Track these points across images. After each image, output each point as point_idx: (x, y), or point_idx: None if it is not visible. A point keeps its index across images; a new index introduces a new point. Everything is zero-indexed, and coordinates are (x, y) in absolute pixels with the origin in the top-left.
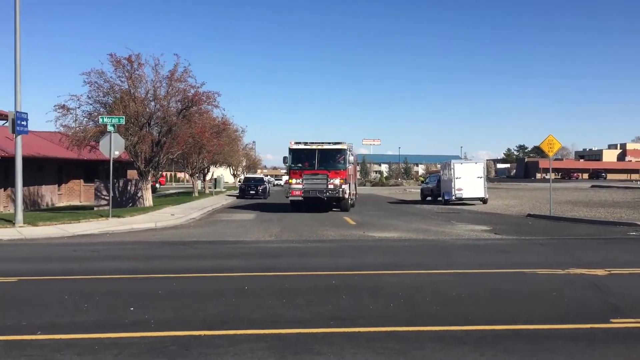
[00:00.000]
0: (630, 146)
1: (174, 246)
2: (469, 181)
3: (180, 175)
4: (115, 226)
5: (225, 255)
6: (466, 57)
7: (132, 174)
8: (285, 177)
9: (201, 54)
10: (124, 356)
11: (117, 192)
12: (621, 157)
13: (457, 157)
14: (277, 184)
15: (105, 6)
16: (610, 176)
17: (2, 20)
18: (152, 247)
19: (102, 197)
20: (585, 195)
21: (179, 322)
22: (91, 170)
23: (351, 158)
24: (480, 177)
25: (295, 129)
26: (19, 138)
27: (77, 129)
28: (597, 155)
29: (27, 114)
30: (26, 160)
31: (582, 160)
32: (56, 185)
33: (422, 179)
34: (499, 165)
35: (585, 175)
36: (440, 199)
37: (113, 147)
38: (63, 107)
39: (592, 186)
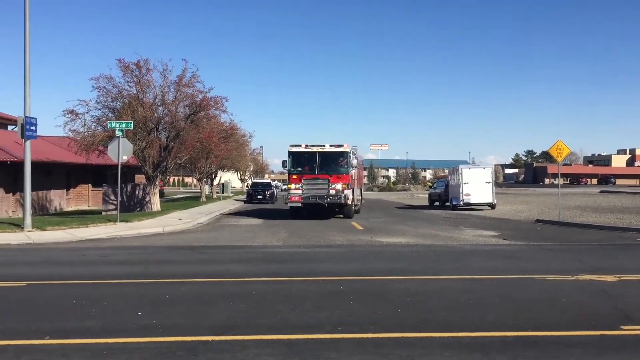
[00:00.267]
0: (639, 151)
1: (181, 251)
2: (477, 186)
3: (187, 180)
4: (123, 231)
5: (233, 260)
6: (474, 62)
7: (139, 178)
8: None
9: (209, 59)
10: None
11: (125, 197)
12: (630, 162)
13: (465, 162)
14: (284, 189)
15: (114, 12)
16: (619, 181)
17: (11, 25)
18: (159, 252)
19: (110, 201)
20: (594, 201)
21: (186, 327)
22: (99, 175)
23: (355, 161)
24: (489, 182)
25: (303, 134)
26: (28, 143)
27: (86, 133)
28: (606, 161)
29: (36, 119)
30: (35, 165)
31: (590, 165)
32: (64, 190)
33: (429, 184)
34: (507, 171)
35: (594, 181)
36: (448, 204)
37: (121, 152)
38: (72, 112)
39: (601, 191)
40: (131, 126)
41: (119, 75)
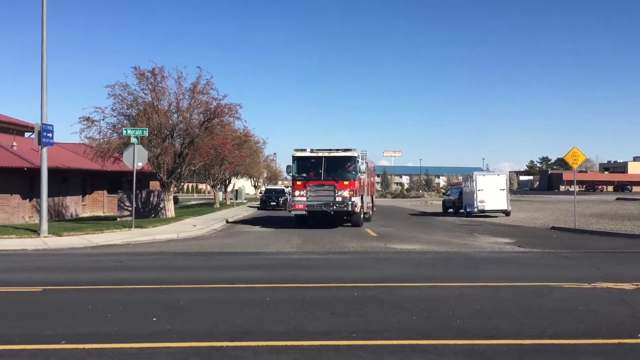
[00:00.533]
0: None
1: (195, 257)
2: (491, 193)
3: (201, 186)
4: (137, 237)
5: (247, 266)
6: (488, 68)
7: (154, 185)
8: None
9: (224, 66)
10: None
11: (139, 203)
12: None
13: (479, 169)
14: None
15: (130, 20)
16: (635, 189)
17: (29, 34)
18: (174, 258)
19: (125, 207)
20: (611, 208)
21: (201, 332)
22: (114, 182)
23: (364, 167)
24: (503, 189)
25: (316, 141)
26: (45, 150)
27: (102, 140)
28: (622, 168)
29: (52, 125)
30: (51, 171)
31: (606, 172)
32: (80, 196)
33: (443, 190)
34: (522, 178)
35: (610, 188)
36: (462, 211)
37: (136, 159)
38: (88, 119)
39: (617, 199)
40: (146, 133)
41: (135, 82)
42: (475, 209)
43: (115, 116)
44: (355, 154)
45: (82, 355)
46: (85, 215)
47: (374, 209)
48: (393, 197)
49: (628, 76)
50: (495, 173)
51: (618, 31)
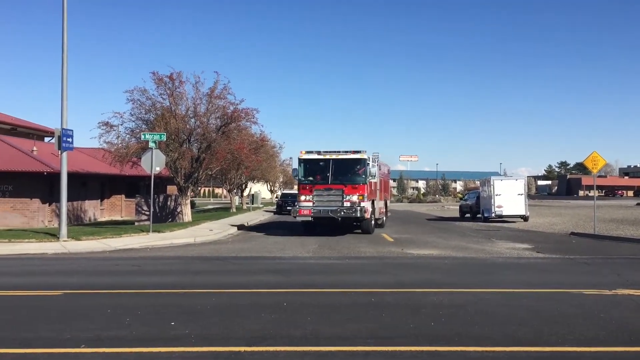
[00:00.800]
0: None
1: (212, 261)
2: (509, 198)
3: (218, 190)
4: (155, 241)
5: (263, 271)
6: (506, 72)
7: (171, 189)
8: None
9: (240, 71)
10: None
11: (157, 208)
12: None
13: (496, 174)
14: None
15: (149, 26)
16: None
17: (49, 40)
18: (191, 262)
19: (143, 212)
20: (631, 213)
21: (219, 337)
22: (132, 186)
23: (375, 170)
24: (521, 194)
25: (332, 146)
26: (65, 154)
27: (120, 145)
28: None
29: (72, 130)
30: (70, 176)
31: (626, 177)
32: (99, 201)
33: (460, 195)
34: (540, 182)
35: (630, 193)
36: (479, 216)
37: (154, 163)
38: (107, 124)
39: (638, 204)
40: (164, 138)
41: (153, 87)
42: (493, 214)
43: (133, 121)
44: (365, 157)
45: (101, 359)
46: (103, 219)
47: (388, 214)
48: (409, 202)
49: None
50: (513, 178)
51: (638, 34)
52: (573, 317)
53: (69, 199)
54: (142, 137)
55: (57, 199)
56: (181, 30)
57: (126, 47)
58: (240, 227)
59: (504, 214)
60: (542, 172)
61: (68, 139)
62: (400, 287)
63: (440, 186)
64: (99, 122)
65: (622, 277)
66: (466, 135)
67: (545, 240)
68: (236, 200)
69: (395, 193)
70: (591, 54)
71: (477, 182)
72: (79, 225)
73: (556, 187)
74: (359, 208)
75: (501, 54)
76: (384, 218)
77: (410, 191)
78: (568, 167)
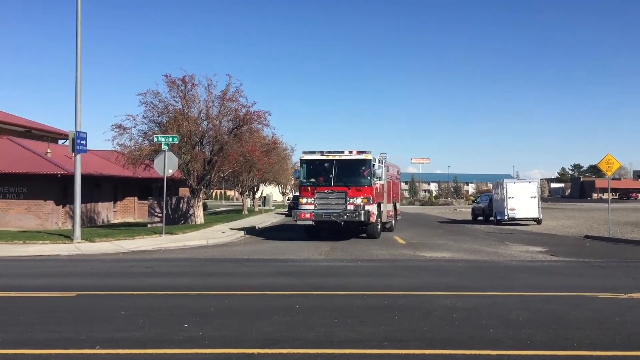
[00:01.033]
0: None
1: (225, 263)
2: (522, 201)
3: (229, 193)
4: (168, 243)
5: (276, 273)
6: (518, 75)
7: (183, 191)
8: None
9: (252, 73)
10: None
11: (169, 210)
12: None
13: (508, 176)
14: None
15: (162, 28)
16: None
17: (63, 44)
18: (204, 264)
19: (155, 214)
20: None
21: (232, 339)
22: (145, 188)
23: (381, 171)
24: (534, 197)
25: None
26: (78, 157)
27: (133, 147)
28: None
29: (86, 133)
30: (84, 178)
31: None
32: (112, 203)
33: (472, 198)
34: (553, 185)
35: None
36: (492, 219)
37: (167, 166)
38: (120, 126)
39: None
40: (177, 140)
41: (165, 90)
42: (506, 217)
43: (146, 123)
44: (369, 157)
45: None
46: (116, 221)
47: (398, 217)
48: (421, 205)
49: None
50: (526, 180)
51: None
52: (588, 321)
53: (83, 201)
54: (155, 139)
55: (71, 201)
56: (194, 34)
57: (139, 50)
58: (252, 229)
59: (516, 216)
60: (555, 175)
61: (82, 142)
62: (413, 290)
63: (452, 189)
64: (112, 125)
65: (637, 281)
66: (478, 138)
67: (559, 243)
68: (248, 202)
69: (407, 196)
70: (606, 56)
71: (490, 185)
72: (92, 227)
73: (569, 190)
74: (362, 211)
75: (514, 57)
76: (393, 221)
77: (422, 194)
78: (581, 169)
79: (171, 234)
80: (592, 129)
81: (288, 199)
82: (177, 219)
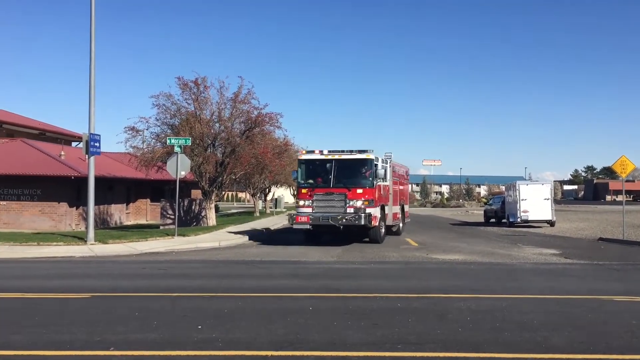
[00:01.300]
0: None
1: (237, 265)
2: (535, 203)
3: (241, 195)
4: (180, 244)
5: (289, 275)
6: (529, 76)
7: (195, 193)
8: None
9: (264, 74)
10: None
11: (182, 212)
12: None
13: (520, 178)
14: None
15: (174, 31)
16: None
17: (77, 47)
18: (216, 266)
19: (168, 216)
20: None
21: (246, 341)
22: (157, 190)
23: (383, 172)
24: (547, 199)
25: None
26: (92, 159)
27: (146, 150)
28: None
29: (99, 135)
30: (97, 180)
31: None
32: (124, 204)
33: (484, 200)
34: (566, 187)
35: None
36: (504, 221)
37: (180, 168)
38: (132, 128)
39: None
40: (189, 142)
41: (178, 92)
42: (519, 219)
43: (159, 126)
44: (371, 157)
45: None
46: (129, 223)
47: (407, 220)
48: (433, 207)
49: None
50: (539, 182)
51: None
52: (605, 324)
53: (96, 203)
54: (168, 141)
55: (84, 203)
56: (206, 35)
57: (152, 53)
58: (265, 231)
59: (530, 219)
60: (568, 177)
61: (95, 144)
62: (426, 292)
63: (464, 191)
64: (125, 127)
65: None
66: (490, 139)
67: (573, 245)
68: (260, 204)
69: (419, 198)
70: (617, 57)
71: (502, 187)
72: (105, 228)
73: (582, 192)
74: (363, 215)
75: (527, 58)
76: (401, 224)
77: (433, 196)
78: (594, 171)
79: (183, 235)
80: (605, 130)
81: None
82: (189, 221)
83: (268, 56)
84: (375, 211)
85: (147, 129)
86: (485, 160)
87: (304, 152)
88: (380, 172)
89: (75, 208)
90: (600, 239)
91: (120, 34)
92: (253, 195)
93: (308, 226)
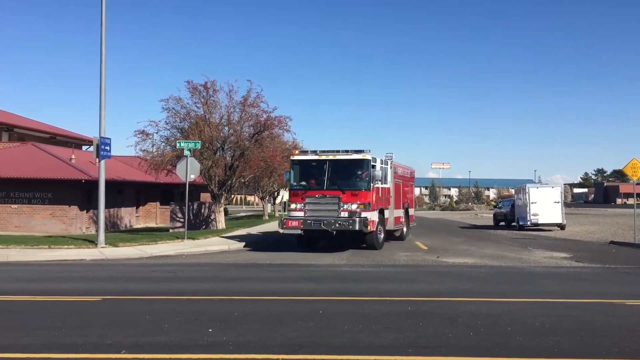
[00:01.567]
0: None
1: (247, 268)
2: (545, 206)
3: (250, 198)
4: (190, 248)
5: (298, 278)
6: (539, 79)
7: (204, 197)
8: None
9: (273, 77)
10: None
11: (191, 215)
12: None
13: (530, 181)
14: None
15: (184, 35)
16: None
17: (88, 52)
18: (226, 269)
19: (177, 219)
20: None
21: (256, 344)
22: (167, 193)
23: (381, 173)
24: (558, 202)
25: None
26: (103, 162)
27: (155, 153)
28: None
29: (110, 139)
30: (107, 183)
31: None
32: (134, 208)
33: (494, 203)
34: (576, 190)
35: None
36: (514, 224)
37: (189, 171)
38: (142, 132)
39: None
40: (199, 146)
41: (188, 96)
42: (529, 222)
43: (168, 129)
44: (367, 157)
45: None
46: (138, 226)
47: (413, 223)
48: (442, 210)
49: None
50: (549, 185)
51: None
52: (617, 328)
53: (106, 206)
54: (178, 145)
55: (95, 206)
56: (215, 39)
57: (162, 56)
58: (274, 234)
59: (540, 222)
60: (577, 180)
61: (106, 147)
62: (437, 296)
63: (473, 194)
64: (135, 131)
65: None
66: (499, 142)
67: (584, 249)
68: (268, 207)
69: (427, 201)
70: (628, 59)
71: (511, 190)
72: (116, 232)
73: (593, 195)
74: (358, 219)
75: (537, 61)
76: (404, 229)
77: (442, 199)
78: (605, 174)
79: (193, 239)
80: (616, 132)
81: None
82: (199, 224)
83: (277, 59)
84: (372, 215)
85: (156, 133)
86: (494, 163)
87: (296, 152)
88: (378, 173)
89: (85, 211)
90: (612, 242)
91: (130, 38)
92: (262, 198)
93: (299, 231)
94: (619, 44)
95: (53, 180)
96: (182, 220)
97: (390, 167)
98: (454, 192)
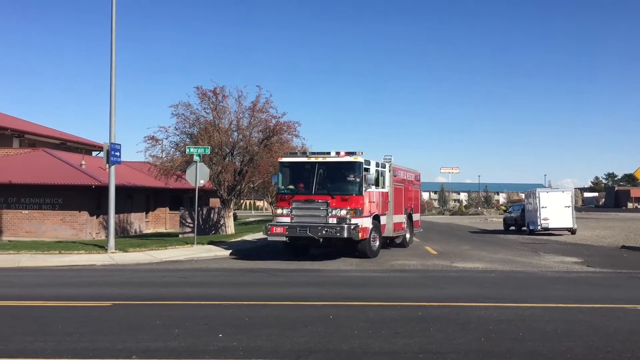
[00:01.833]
0: None
1: (256, 273)
2: (555, 210)
3: (259, 203)
4: (199, 253)
5: (307, 283)
6: (549, 83)
7: (214, 202)
8: None
9: (281, 83)
10: None
11: (200, 220)
12: None
13: (540, 186)
14: None
15: (193, 42)
16: None
17: (98, 59)
18: (236, 274)
19: (187, 224)
20: None
21: (267, 350)
22: (176, 199)
23: (375, 176)
24: (568, 207)
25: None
26: (113, 168)
27: (165, 159)
28: None
29: (120, 145)
30: (117, 189)
31: None
32: (144, 213)
33: (503, 207)
34: (586, 194)
35: None
36: (524, 228)
37: (199, 176)
38: (152, 138)
39: None
40: (208, 151)
41: (197, 102)
42: (539, 227)
43: (178, 135)
44: (359, 160)
45: None
46: (148, 231)
47: (419, 229)
48: (451, 214)
49: None
50: (559, 190)
51: None
52: (629, 334)
53: (116, 212)
54: (187, 150)
55: (105, 212)
56: (224, 45)
57: (171, 62)
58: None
59: (550, 226)
60: (588, 184)
61: (116, 153)
62: (447, 301)
63: (482, 198)
64: (144, 137)
65: None
66: (509, 147)
67: (595, 253)
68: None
69: (437, 205)
70: (636, 62)
71: (521, 194)
72: (125, 237)
73: (603, 199)
74: (346, 225)
75: (546, 64)
76: (407, 235)
77: (451, 203)
78: (616, 178)
79: (202, 244)
80: (626, 136)
81: None
82: (208, 229)
83: (285, 64)
84: (364, 222)
85: (166, 138)
86: (504, 167)
87: (285, 154)
88: (372, 177)
89: (95, 217)
90: (623, 247)
91: (140, 45)
92: (271, 203)
93: (284, 238)
94: (631, 47)
95: (63, 185)
96: (191, 225)
97: (389, 170)
98: (463, 196)
